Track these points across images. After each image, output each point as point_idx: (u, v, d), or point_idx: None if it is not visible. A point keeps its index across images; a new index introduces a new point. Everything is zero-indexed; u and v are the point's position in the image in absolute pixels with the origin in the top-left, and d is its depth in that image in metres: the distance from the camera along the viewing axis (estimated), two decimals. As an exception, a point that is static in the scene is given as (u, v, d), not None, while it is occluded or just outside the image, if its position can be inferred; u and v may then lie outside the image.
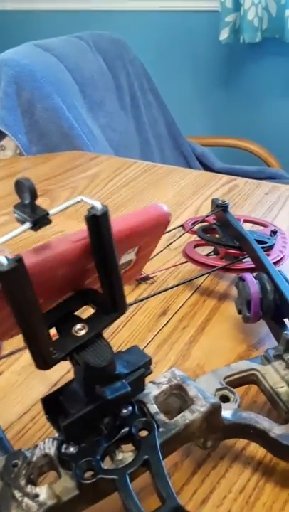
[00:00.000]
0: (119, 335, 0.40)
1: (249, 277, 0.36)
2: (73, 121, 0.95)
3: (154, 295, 0.42)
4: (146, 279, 0.46)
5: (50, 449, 0.22)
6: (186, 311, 0.42)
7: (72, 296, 0.21)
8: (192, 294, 0.44)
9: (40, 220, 0.17)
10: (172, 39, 1.59)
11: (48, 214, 0.18)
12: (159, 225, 0.23)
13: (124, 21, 1.63)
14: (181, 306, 0.43)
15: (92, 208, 0.19)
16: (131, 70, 1.25)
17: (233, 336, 0.38)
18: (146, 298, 0.42)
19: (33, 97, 0.92)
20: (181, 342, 0.38)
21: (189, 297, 0.44)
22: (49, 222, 0.18)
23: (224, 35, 1.39)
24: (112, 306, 0.21)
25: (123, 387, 0.22)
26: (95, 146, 1.00)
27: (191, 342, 0.38)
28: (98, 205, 0.19)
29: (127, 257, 0.24)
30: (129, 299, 0.43)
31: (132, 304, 0.41)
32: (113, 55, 1.21)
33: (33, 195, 0.17)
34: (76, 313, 0.22)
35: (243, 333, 0.39)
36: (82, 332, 0.21)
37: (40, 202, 0.66)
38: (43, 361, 0.19)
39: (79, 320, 0.21)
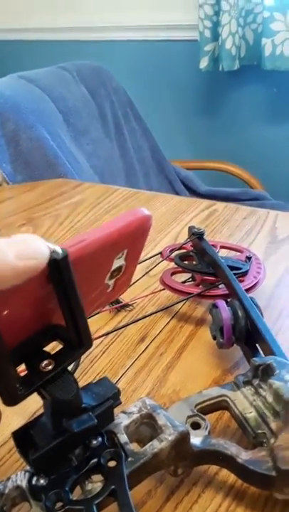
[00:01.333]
0: (98, 362, 0.40)
1: (221, 304, 0.38)
2: (57, 150, 0.97)
3: (132, 323, 0.43)
4: (125, 306, 0.47)
5: (22, 481, 0.23)
6: (164, 338, 0.43)
7: (41, 332, 0.22)
8: (170, 320, 0.45)
9: None
10: (154, 68, 1.64)
11: None
12: (142, 227, 0.24)
13: (107, 51, 1.68)
14: (159, 332, 0.44)
15: (54, 251, 0.19)
16: (114, 98, 1.28)
17: (208, 361, 0.39)
18: (124, 326, 0.43)
19: (17, 127, 0.94)
20: (158, 368, 0.39)
21: (167, 323, 0.45)
22: None
23: (204, 63, 1.44)
24: (78, 342, 0.22)
25: (89, 420, 0.22)
26: (79, 174, 1.02)
27: (168, 368, 0.39)
28: (58, 249, 0.19)
29: (117, 263, 0.24)
30: (108, 327, 0.44)
31: (110, 333, 0.42)
32: (96, 84, 1.24)
33: None
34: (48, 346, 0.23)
35: (218, 358, 0.40)
36: (49, 367, 0.21)
37: (23, 230, 0.67)
38: (10, 398, 0.20)
39: (46, 355, 0.22)
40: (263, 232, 0.63)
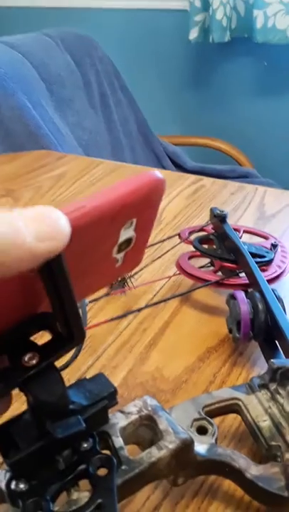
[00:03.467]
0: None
1: (240, 295, 0.34)
2: (39, 120, 0.93)
3: (141, 309, 0.40)
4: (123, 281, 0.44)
5: (2, 482, 0.20)
6: (147, 313, 0.41)
7: (28, 320, 0.19)
8: (154, 296, 0.44)
9: None
10: (142, 38, 1.59)
11: None
12: (154, 194, 0.21)
13: (93, 19, 1.62)
14: (142, 308, 0.42)
15: None
16: (100, 68, 1.24)
17: (192, 339, 0.38)
18: (133, 311, 0.40)
19: (-3, 94, 0.90)
20: (140, 345, 0.38)
21: (151, 299, 0.43)
22: None
23: (194, 34, 1.40)
24: (68, 335, 0.19)
25: (77, 425, 0.19)
26: (63, 145, 0.99)
27: (151, 345, 0.38)
28: None
29: (125, 234, 0.21)
30: (107, 308, 0.42)
31: (117, 318, 0.39)
32: (81, 53, 1.19)
33: None
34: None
35: (202, 336, 0.38)
36: (33, 362, 0.18)
37: (3, 202, 0.64)
38: None
39: (31, 347, 0.19)
40: (251, 208, 0.62)
